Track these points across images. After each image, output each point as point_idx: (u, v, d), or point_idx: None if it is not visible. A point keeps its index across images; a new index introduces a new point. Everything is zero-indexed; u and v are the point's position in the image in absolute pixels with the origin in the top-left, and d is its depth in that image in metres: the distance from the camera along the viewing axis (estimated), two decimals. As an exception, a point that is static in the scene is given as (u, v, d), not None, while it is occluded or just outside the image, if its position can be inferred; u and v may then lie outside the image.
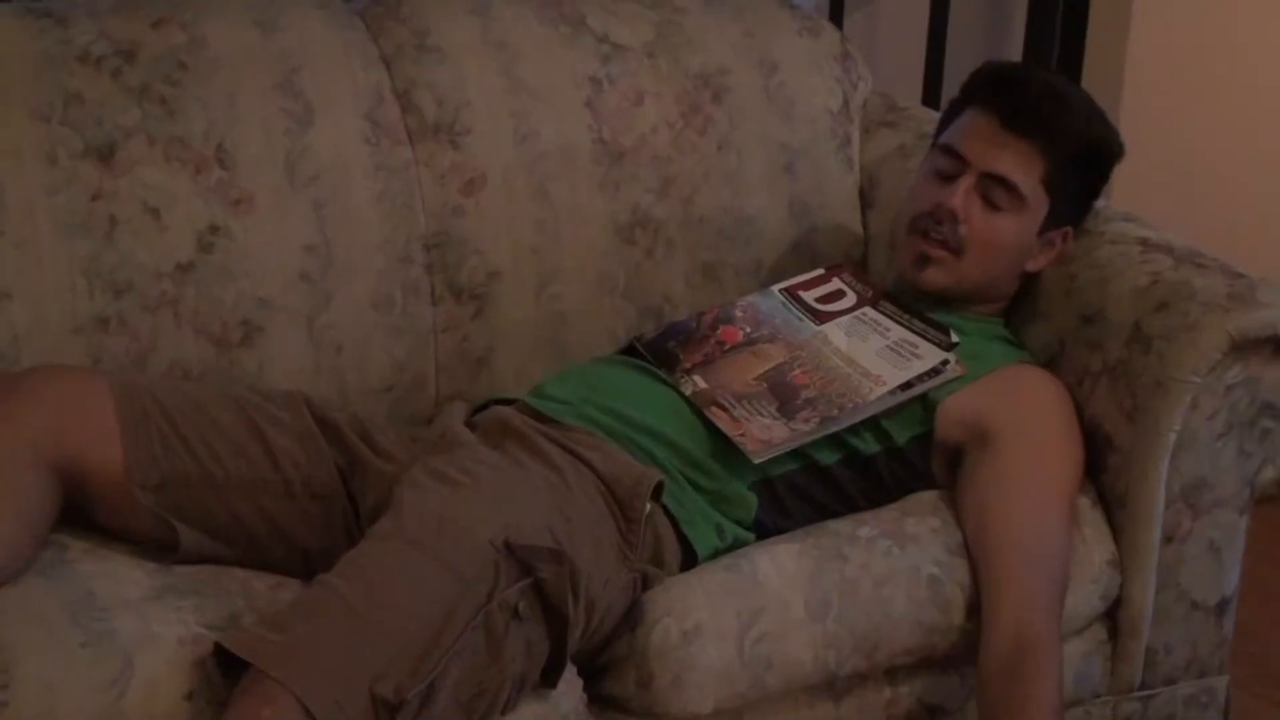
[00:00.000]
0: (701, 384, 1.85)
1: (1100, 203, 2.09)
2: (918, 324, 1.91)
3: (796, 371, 1.86)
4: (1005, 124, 1.91)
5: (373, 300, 1.96)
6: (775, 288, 2.00)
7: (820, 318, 1.94)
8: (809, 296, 1.98)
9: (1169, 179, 2.96)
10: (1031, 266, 1.98)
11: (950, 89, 2.94)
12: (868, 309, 1.95)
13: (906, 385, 1.84)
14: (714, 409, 1.82)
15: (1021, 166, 1.90)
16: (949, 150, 1.94)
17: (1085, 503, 1.86)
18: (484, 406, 1.90)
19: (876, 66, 2.44)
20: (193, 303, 1.87)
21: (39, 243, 1.81)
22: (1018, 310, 2.03)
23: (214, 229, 1.88)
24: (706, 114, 2.17)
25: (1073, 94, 2.00)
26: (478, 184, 2.03)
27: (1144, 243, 1.96)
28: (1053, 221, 1.95)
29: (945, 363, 1.86)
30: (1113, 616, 1.89)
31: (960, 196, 1.90)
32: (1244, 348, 1.80)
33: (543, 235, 2.06)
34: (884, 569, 1.73)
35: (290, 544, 1.70)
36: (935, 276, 1.94)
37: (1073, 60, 3.00)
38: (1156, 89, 2.99)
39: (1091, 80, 3.00)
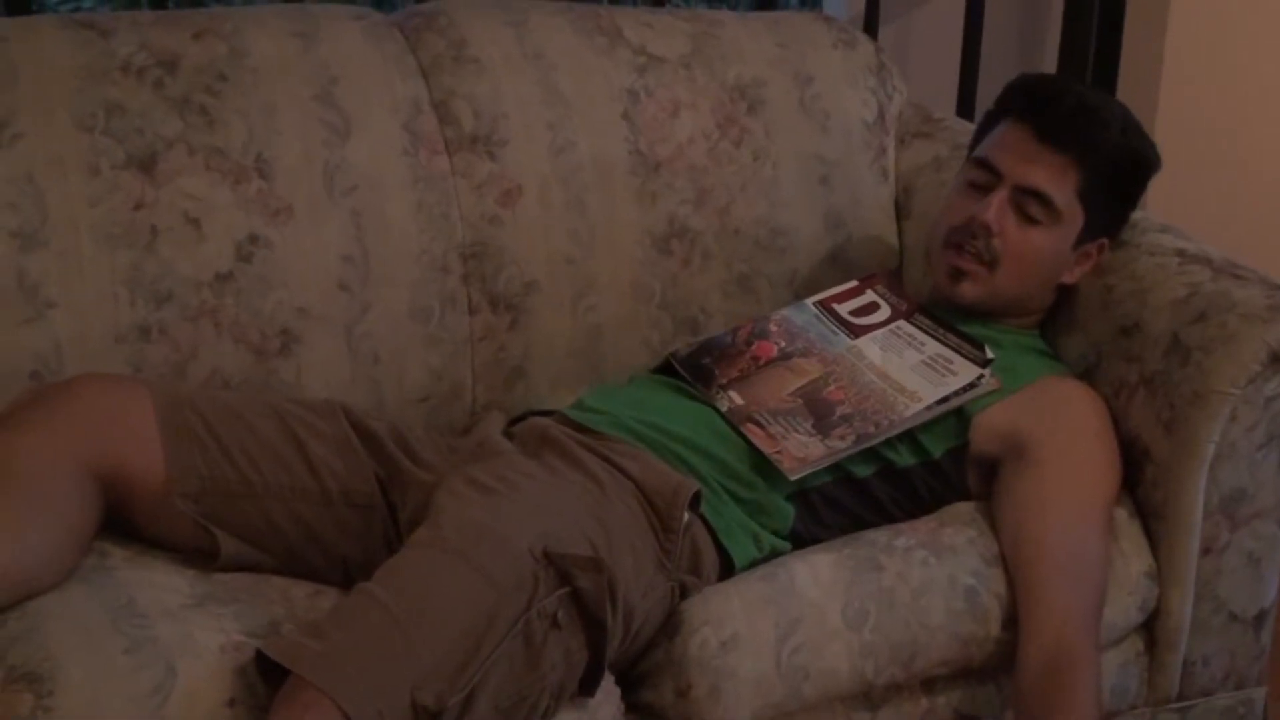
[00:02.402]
0: (738, 400, 1.85)
1: (1137, 214, 2.08)
2: (952, 339, 1.91)
3: (832, 387, 1.86)
4: (1040, 137, 1.90)
5: (410, 310, 1.97)
6: (809, 300, 2.00)
7: (855, 331, 1.94)
8: (843, 309, 1.98)
9: (1206, 190, 2.95)
10: (1067, 279, 1.97)
11: (985, 101, 2.95)
12: (902, 322, 1.95)
13: (942, 400, 1.84)
14: (750, 425, 1.82)
15: (1056, 180, 1.90)
16: (983, 163, 1.94)
17: (1123, 514, 1.86)
18: (521, 417, 1.90)
19: (911, 78, 2.44)
20: (232, 312, 1.88)
21: (81, 253, 1.83)
22: (1054, 321, 2.03)
23: (253, 239, 1.89)
24: (742, 125, 2.18)
25: (1108, 106, 1.99)
26: (514, 195, 2.04)
27: (1182, 254, 1.96)
28: (1088, 234, 1.94)
29: (980, 378, 1.85)
30: (1150, 628, 1.88)
31: (994, 210, 1.90)
32: (1283, 359, 1.79)
33: (579, 246, 2.07)
34: (921, 579, 1.73)
35: (329, 553, 1.71)
36: (969, 290, 1.93)
37: (1108, 71, 2.99)
38: (1192, 101, 2.99)
39: (1127, 92, 2.99)
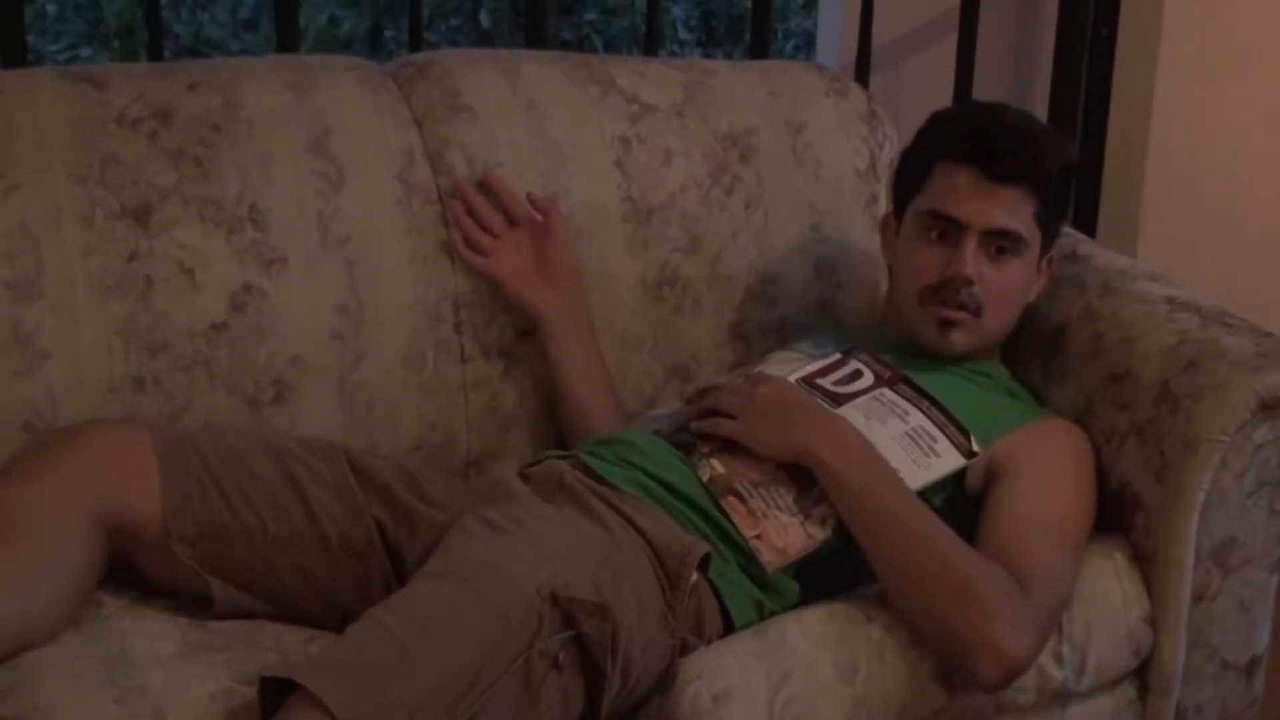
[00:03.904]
0: (719, 468, 1.81)
1: (1127, 262, 2.10)
2: (936, 414, 1.86)
3: None
4: (990, 177, 1.87)
5: (404, 359, 1.98)
6: (793, 377, 1.94)
7: (838, 401, 1.89)
8: (826, 382, 1.93)
9: (1195, 238, 2.98)
10: (1031, 298, 1.99)
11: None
12: (885, 390, 1.90)
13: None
14: (730, 498, 1.79)
15: (1017, 215, 1.89)
16: (941, 215, 1.90)
17: (1121, 559, 1.86)
18: (538, 459, 1.91)
19: (903, 126, 2.45)
20: (226, 362, 1.89)
21: (76, 303, 1.83)
22: (1044, 369, 2.03)
23: (247, 289, 1.90)
24: (734, 173, 2.19)
25: (1038, 126, 2.00)
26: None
27: (1171, 302, 1.97)
28: (1044, 250, 1.96)
29: (964, 468, 1.83)
30: (1143, 675, 1.88)
31: (970, 263, 1.87)
32: (1272, 406, 1.80)
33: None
34: (912, 630, 1.73)
35: (326, 599, 1.71)
36: (961, 339, 1.93)
37: (1098, 120, 3.02)
38: (1181, 150, 3.00)
39: (1116, 138, 3.02)
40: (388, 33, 5.23)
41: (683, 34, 5.42)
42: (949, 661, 1.70)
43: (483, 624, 1.47)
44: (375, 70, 2.09)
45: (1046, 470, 1.84)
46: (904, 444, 1.83)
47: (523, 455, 2.03)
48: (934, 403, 1.87)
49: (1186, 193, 3.02)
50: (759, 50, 2.86)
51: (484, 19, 5.21)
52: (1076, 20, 2.95)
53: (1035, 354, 2.06)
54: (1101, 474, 1.90)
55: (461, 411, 2.03)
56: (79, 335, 1.83)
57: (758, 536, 1.76)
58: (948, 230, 1.89)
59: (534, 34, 2.64)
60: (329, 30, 5.11)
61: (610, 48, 5.25)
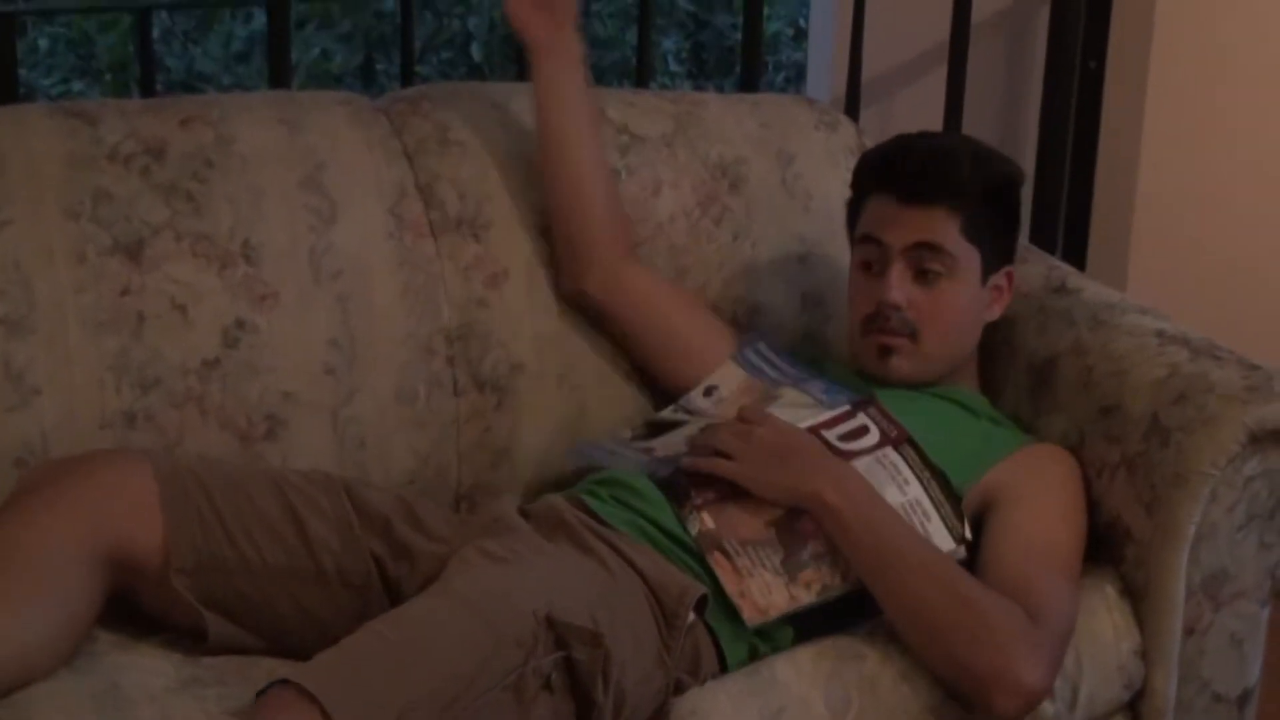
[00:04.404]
0: (709, 523, 1.79)
1: (1117, 295, 2.11)
2: (935, 488, 1.82)
3: (805, 520, 1.78)
4: (903, 200, 1.91)
5: (396, 393, 1.98)
6: (800, 425, 1.88)
7: (840, 457, 1.84)
8: (831, 435, 1.88)
9: (1185, 270, 2.99)
10: (990, 317, 2.00)
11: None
12: (889, 450, 1.85)
13: None
14: (717, 554, 1.76)
15: (937, 230, 1.90)
16: (866, 239, 1.95)
17: (1112, 592, 1.86)
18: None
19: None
20: (218, 397, 1.89)
21: (68, 339, 1.83)
22: (1035, 402, 2.04)
23: (240, 324, 1.90)
24: (723, 204, 2.20)
25: (957, 145, 2.02)
26: (500, 277, 2.05)
27: (1160, 335, 1.98)
28: (990, 267, 1.96)
29: (953, 552, 1.79)
30: (1134, 708, 1.88)
31: (894, 286, 1.90)
32: (1262, 440, 1.80)
33: (564, 325, 2.08)
34: (904, 665, 1.72)
35: (323, 633, 1.71)
36: (900, 365, 1.94)
37: (1087, 152, 3.04)
38: (1171, 179, 3.02)
39: (1106, 170, 3.03)
40: (379, 66, 5.25)
41: (673, 66, 5.44)
42: (964, 696, 1.69)
43: (478, 637, 1.49)
44: (367, 105, 2.10)
45: (1041, 497, 1.84)
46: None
47: (515, 488, 2.03)
48: (935, 475, 1.82)
49: (1176, 225, 3.03)
50: (749, 83, 2.88)
51: (475, 52, 5.22)
52: (1065, 52, 2.97)
53: (1024, 387, 2.07)
54: (1092, 506, 1.90)
55: (454, 445, 2.03)
56: (71, 371, 1.83)
57: (740, 594, 1.74)
58: (877, 258, 1.93)
59: (524, 69, 2.64)
60: (321, 64, 5.12)
61: (601, 80, 5.26)
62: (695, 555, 1.77)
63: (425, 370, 2.00)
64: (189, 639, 1.69)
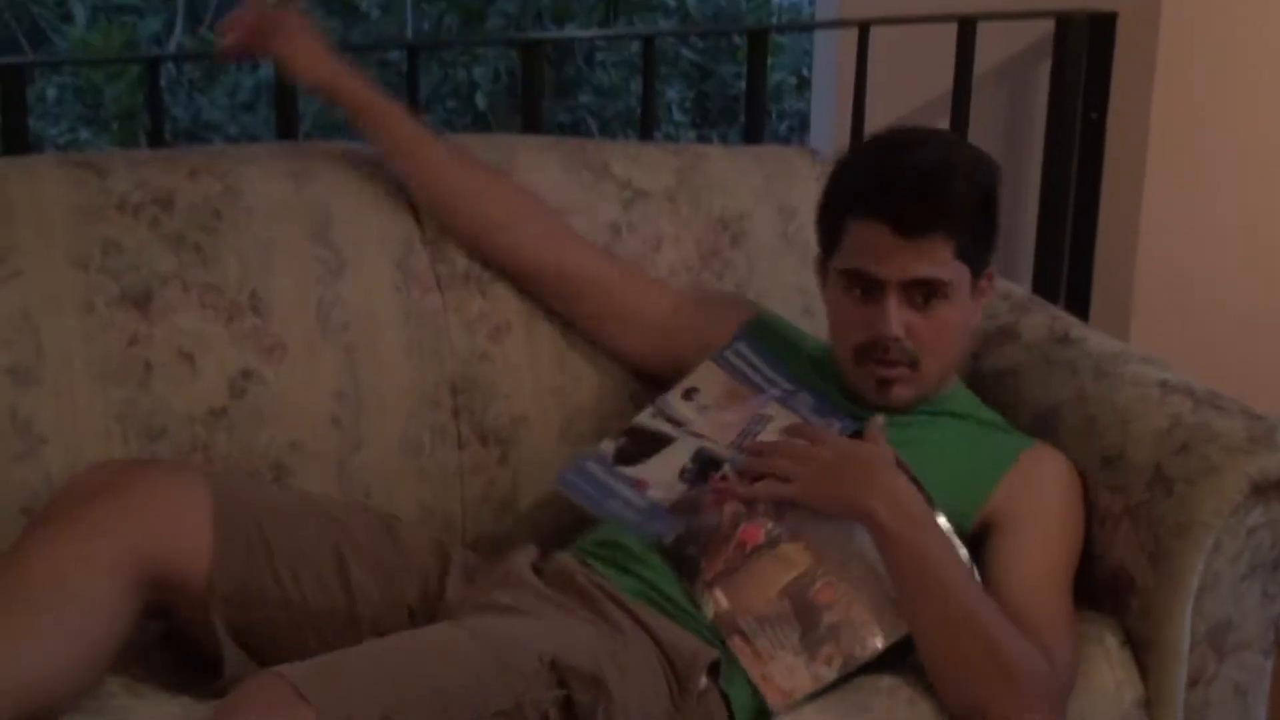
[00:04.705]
0: (724, 602, 1.75)
1: (1120, 345, 2.11)
2: (941, 523, 1.79)
3: (820, 585, 1.76)
4: (899, 231, 1.79)
5: (401, 444, 1.99)
6: None
7: None
8: None
9: (1188, 319, 2.99)
10: (975, 322, 1.96)
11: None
12: None
13: None
14: (736, 639, 1.74)
15: (935, 261, 1.81)
16: (857, 275, 1.83)
17: (1113, 642, 1.86)
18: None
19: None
20: (224, 447, 1.89)
21: (75, 389, 1.84)
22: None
23: (246, 374, 1.91)
24: (725, 257, 2.21)
25: (945, 159, 1.86)
26: (504, 330, 2.06)
27: (1163, 385, 1.98)
28: (977, 277, 1.89)
29: None
30: (1140, 759, 1.88)
31: (894, 320, 1.82)
32: (1265, 490, 1.80)
33: (566, 376, 2.09)
34: (908, 716, 1.72)
35: None
36: (902, 394, 1.88)
37: (1089, 201, 3.05)
38: (1174, 229, 3.03)
39: (1108, 220, 3.05)
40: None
41: (677, 115, 5.46)
42: None
43: (479, 660, 1.51)
44: (373, 159, 2.10)
45: (1044, 519, 1.85)
46: None
47: (521, 539, 2.03)
48: (932, 509, 1.79)
49: (1179, 274, 3.04)
50: (753, 133, 2.89)
51: (480, 101, 5.26)
52: (1067, 104, 2.99)
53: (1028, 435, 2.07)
54: (1096, 557, 1.90)
55: (458, 497, 2.03)
56: (78, 420, 1.84)
57: (763, 678, 1.73)
58: (869, 287, 1.83)
59: (529, 117, 2.67)
60: (327, 113, 5.15)
61: (605, 130, 5.30)
62: (709, 629, 1.76)
63: (430, 422, 2.01)
64: (198, 675, 1.69)
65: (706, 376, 1.97)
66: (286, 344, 1.94)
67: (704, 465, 1.87)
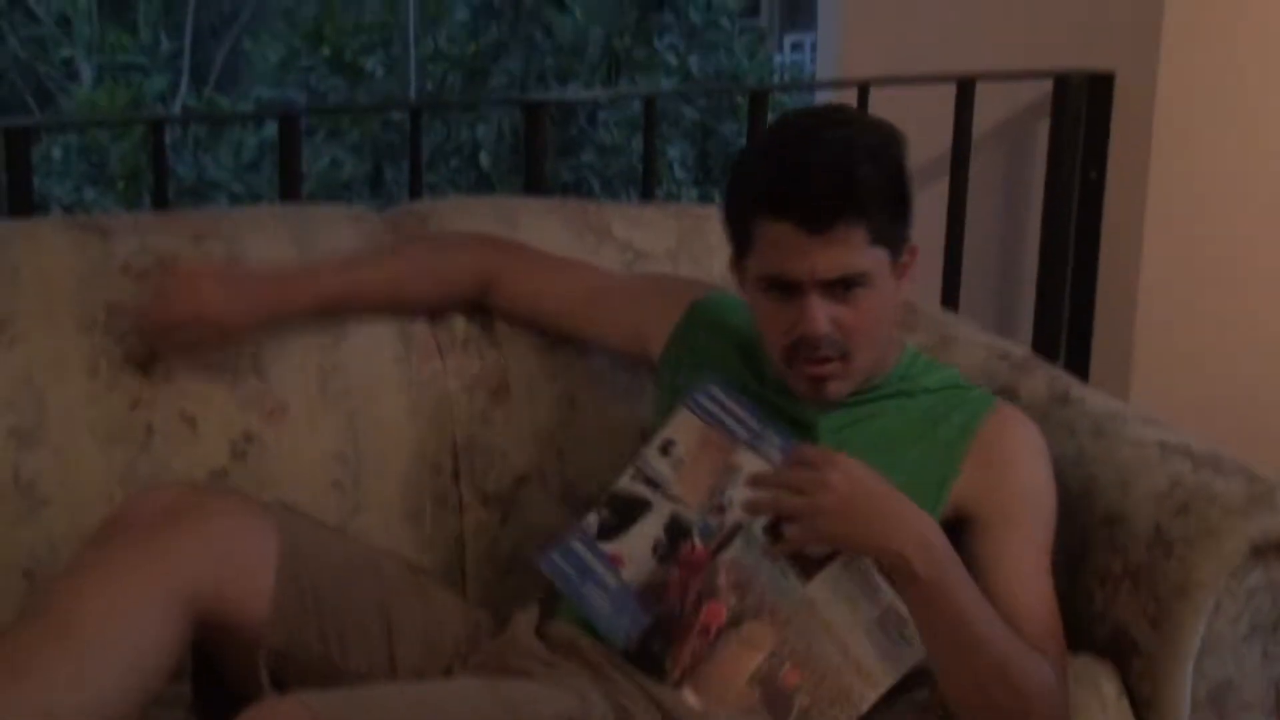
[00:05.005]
0: (692, 701, 1.71)
1: (1119, 405, 2.11)
2: None
3: (787, 666, 1.72)
4: (809, 230, 1.70)
5: (402, 508, 2.00)
6: (758, 526, 1.77)
7: (808, 571, 1.74)
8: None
9: (1188, 378, 3.00)
10: (902, 295, 1.85)
11: (969, 292, 3.02)
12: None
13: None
14: None
15: (850, 253, 1.71)
16: (772, 280, 1.75)
17: (1111, 691, 1.85)
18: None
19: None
20: (225, 509, 1.90)
21: (78, 450, 1.85)
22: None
23: (248, 437, 1.92)
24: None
25: (846, 146, 1.72)
26: (503, 393, 2.07)
27: (1163, 445, 1.98)
28: (896, 255, 1.78)
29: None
30: (1141, 823, 1.87)
31: (817, 318, 1.73)
32: (1265, 551, 1.80)
33: (567, 435, 2.10)
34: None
35: None
36: (837, 388, 1.81)
37: (1088, 264, 3.06)
38: (1173, 287, 3.04)
39: (1107, 279, 3.06)
40: (388, 174, 5.33)
41: (679, 173, 5.50)
42: None
43: (490, 706, 1.51)
44: (377, 222, 2.13)
45: (1016, 507, 1.81)
46: (874, 635, 1.72)
47: (520, 599, 2.02)
48: None
49: (1179, 332, 3.05)
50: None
51: (483, 160, 5.30)
52: (1065, 163, 3.01)
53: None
54: (1097, 617, 1.90)
55: (459, 559, 2.04)
56: (80, 482, 1.85)
57: None
58: (787, 287, 1.75)
59: (532, 177, 2.69)
60: (331, 173, 5.20)
61: (608, 187, 5.34)
62: None
63: (431, 485, 2.02)
64: (204, 688, 1.70)
65: (682, 426, 1.88)
66: (288, 407, 1.95)
67: (675, 536, 1.80)
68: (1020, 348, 2.36)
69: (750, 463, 1.80)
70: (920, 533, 1.67)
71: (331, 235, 2.06)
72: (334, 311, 1.99)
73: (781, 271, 1.74)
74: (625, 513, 1.85)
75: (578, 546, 1.84)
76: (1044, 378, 2.20)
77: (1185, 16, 2.97)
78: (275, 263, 2.00)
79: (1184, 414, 2.24)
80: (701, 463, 1.84)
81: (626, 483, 1.87)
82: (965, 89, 2.96)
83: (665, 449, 1.88)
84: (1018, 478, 1.84)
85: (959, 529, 1.81)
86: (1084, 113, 3.01)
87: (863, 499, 1.67)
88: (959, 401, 1.89)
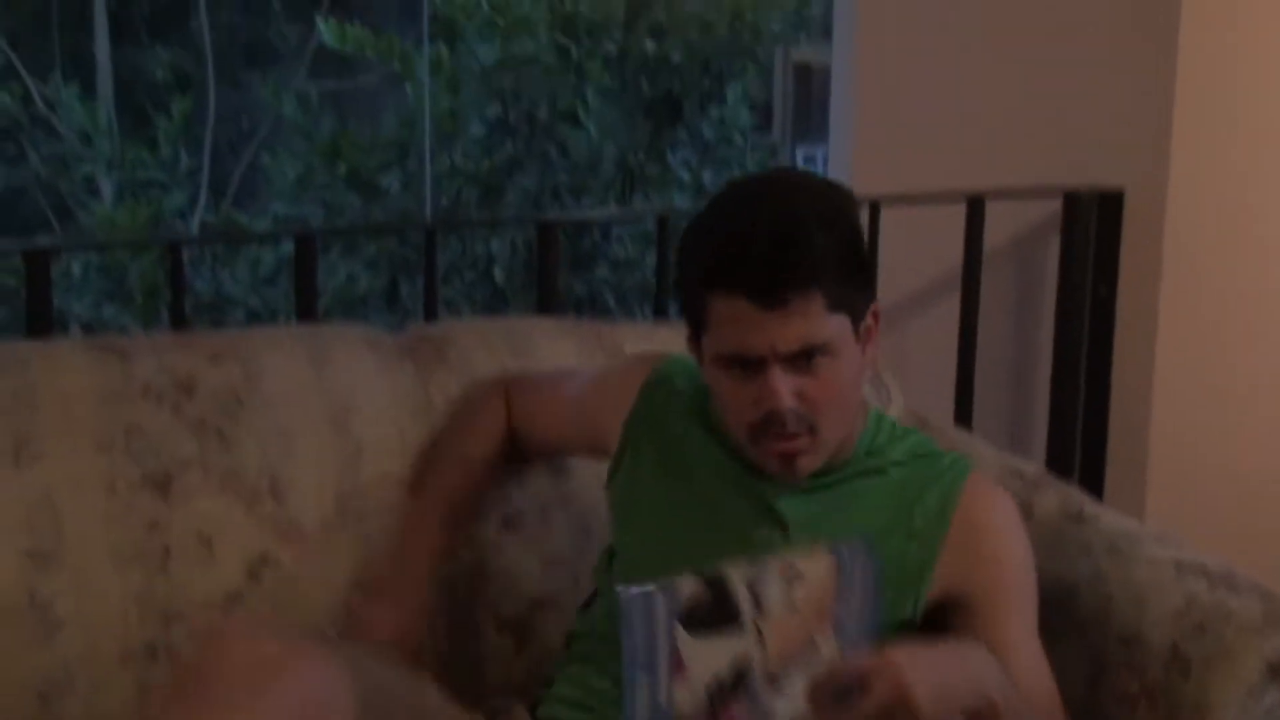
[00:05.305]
0: None
1: (1134, 524, 2.11)
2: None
3: None
4: (761, 306, 1.64)
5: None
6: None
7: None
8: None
9: (1202, 494, 2.99)
10: (869, 360, 1.77)
11: (982, 406, 3.02)
12: None
13: None
14: None
15: (808, 325, 1.65)
16: (732, 358, 1.69)
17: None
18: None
19: (907, 386, 2.50)
20: (240, 631, 1.90)
21: (95, 572, 1.86)
22: (1049, 628, 2.03)
23: (264, 559, 1.93)
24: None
25: (794, 213, 1.66)
26: (516, 519, 2.08)
27: (1178, 564, 1.97)
28: (859, 320, 1.72)
29: None
30: None
31: (781, 393, 1.67)
32: (1280, 671, 1.80)
33: (582, 558, 2.08)
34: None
35: None
36: (807, 463, 1.73)
37: (1100, 378, 3.07)
38: (1186, 407, 3.04)
39: (1120, 395, 3.06)
40: (404, 289, 5.37)
41: (693, 288, 5.53)
42: None
43: None
44: (392, 348, 2.13)
45: (1000, 586, 1.78)
46: None
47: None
48: None
49: (1193, 448, 3.05)
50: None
51: (498, 275, 5.34)
52: (1077, 279, 3.03)
53: (1043, 614, 2.06)
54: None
55: (474, 684, 2.02)
56: (95, 604, 1.86)
57: None
58: (747, 364, 1.68)
59: (545, 293, 2.71)
60: (347, 288, 5.24)
61: (622, 302, 5.37)
62: None
63: (448, 611, 2.01)
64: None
65: (817, 565, 1.65)
66: (304, 530, 1.95)
67: (734, 683, 1.60)
68: (1033, 465, 2.36)
69: (828, 649, 1.61)
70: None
71: (349, 361, 2.08)
72: (454, 530, 1.99)
73: (739, 348, 1.68)
74: (718, 610, 1.61)
75: (660, 608, 1.60)
76: (1057, 495, 2.20)
77: (1194, 132, 3.01)
78: (292, 384, 2.02)
79: (1199, 530, 2.24)
80: (804, 616, 1.63)
81: (738, 578, 1.63)
82: (975, 206, 2.98)
83: (789, 575, 1.64)
84: (999, 553, 1.80)
85: (948, 611, 1.78)
86: (1094, 229, 3.03)
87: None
88: (933, 476, 1.83)
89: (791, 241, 1.64)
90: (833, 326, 1.67)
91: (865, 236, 1.72)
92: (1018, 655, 1.74)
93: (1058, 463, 3.01)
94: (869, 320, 1.74)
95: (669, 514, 1.84)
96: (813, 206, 1.67)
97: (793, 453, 1.72)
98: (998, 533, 1.81)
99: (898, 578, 1.73)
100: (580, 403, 2.00)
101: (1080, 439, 3.08)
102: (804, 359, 1.66)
